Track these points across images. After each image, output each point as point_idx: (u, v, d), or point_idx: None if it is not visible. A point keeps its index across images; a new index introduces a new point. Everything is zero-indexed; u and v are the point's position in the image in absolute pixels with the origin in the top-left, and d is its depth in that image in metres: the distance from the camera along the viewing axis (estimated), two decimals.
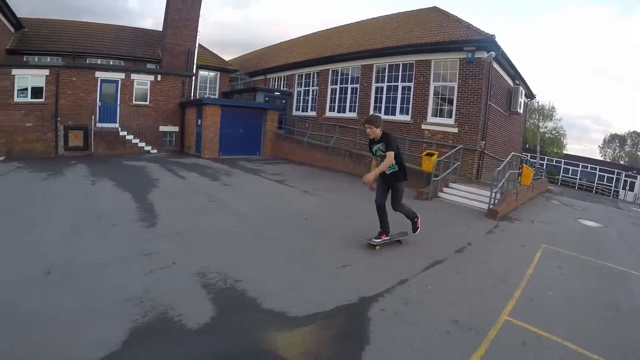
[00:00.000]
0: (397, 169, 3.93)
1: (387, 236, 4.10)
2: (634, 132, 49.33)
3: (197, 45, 14.91)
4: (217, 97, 15.81)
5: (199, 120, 12.06)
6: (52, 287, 2.82)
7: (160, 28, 16.41)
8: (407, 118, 10.61)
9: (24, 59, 12.87)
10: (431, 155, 7.84)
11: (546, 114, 22.01)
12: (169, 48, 14.58)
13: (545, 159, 24.15)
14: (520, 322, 2.76)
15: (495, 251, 4.53)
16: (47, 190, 6.42)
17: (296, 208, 5.70)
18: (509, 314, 2.91)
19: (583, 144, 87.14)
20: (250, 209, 5.52)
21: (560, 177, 24.45)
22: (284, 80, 16.01)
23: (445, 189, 7.54)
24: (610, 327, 2.84)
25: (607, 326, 2.86)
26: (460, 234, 5.01)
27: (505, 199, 6.60)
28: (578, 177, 25.65)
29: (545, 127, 22.22)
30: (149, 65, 14.84)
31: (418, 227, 4.27)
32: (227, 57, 18.41)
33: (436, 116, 10.03)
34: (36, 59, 13.07)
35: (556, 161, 25.25)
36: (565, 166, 25.98)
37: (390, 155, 3.76)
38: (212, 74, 16.19)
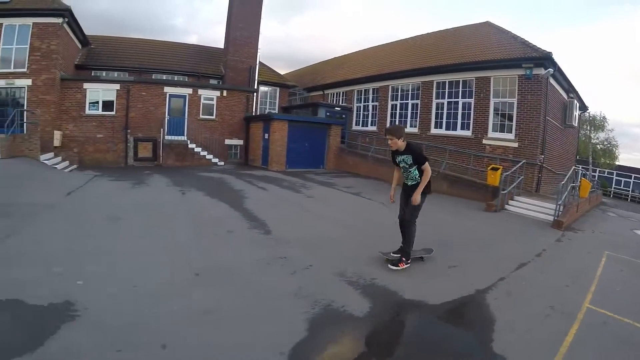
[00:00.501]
0: (419, 180, 4.02)
1: None
2: None
3: (257, 62, 16.54)
4: (276, 111, 17.39)
5: (266, 135, 13.52)
6: (209, 287, 3.25)
7: (204, 43, 18.11)
8: (468, 133, 11.61)
9: (91, 74, 14.55)
10: (496, 169, 8.80)
11: (597, 124, 21.97)
12: (231, 65, 16.29)
13: (597, 171, 23.90)
14: (599, 309, 3.71)
15: (567, 256, 5.49)
16: (142, 198, 7.26)
17: (385, 218, 6.81)
18: (589, 302, 3.89)
19: (633, 153, 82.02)
20: (345, 218, 6.64)
21: (613, 189, 24.11)
22: (342, 96, 17.42)
23: (511, 202, 8.50)
24: None
25: None
26: (533, 241, 6.00)
27: (569, 211, 7.50)
28: (630, 189, 25.13)
29: (597, 138, 22.18)
30: (211, 81, 16.49)
31: (400, 268, 4.09)
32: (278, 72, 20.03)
33: (497, 131, 10.94)
34: (103, 74, 14.77)
35: (608, 173, 24.96)
36: (618, 178, 25.66)
37: (427, 167, 3.95)
38: (271, 89, 17.80)
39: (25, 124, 10.86)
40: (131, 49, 16.77)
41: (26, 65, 11.84)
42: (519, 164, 9.10)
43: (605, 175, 24.92)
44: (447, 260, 4.74)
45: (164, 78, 15.77)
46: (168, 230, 5.11)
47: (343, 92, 17.35)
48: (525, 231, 6.65)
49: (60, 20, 12.07)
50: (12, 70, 11.76)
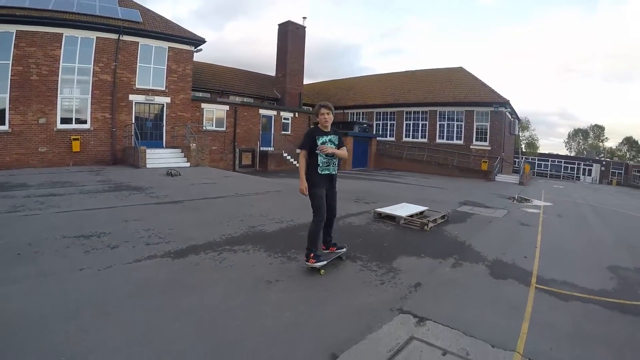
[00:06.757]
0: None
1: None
2: (595, 125, 72.28)
3: (302, 89, 26.77)
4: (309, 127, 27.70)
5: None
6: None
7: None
8: (460, 142, 24.79)
9: None
10: (485, 162, 21.52)
11: (524, 126, 37.59)
12: (288, 91, 26.30)
13: (524, 158, 40.16)
14: (546, 202, 15.74)
15: (530, 191, 17.92)
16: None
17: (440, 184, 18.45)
18: (543, 196, 15.96)
19: (549, 138, 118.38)
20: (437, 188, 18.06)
21: (536, 170, 40.89)
22: (362, 115, 29.13)
23: (497, 177, 21.18)
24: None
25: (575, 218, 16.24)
26: (515, 188, 18.49)
27: (524, 178, 20.47)
28: (549, 169, 43.11)
29: (524, 135, 37.92)
30: (268, 102, 25.98)
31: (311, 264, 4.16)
32: None
33: (478, 141, 24.13)
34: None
35: (531, 159, 41.68)
36: (539, 162, 43.14)
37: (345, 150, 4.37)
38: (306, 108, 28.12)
39: (187, 138, 17.21)
40: (209, 72, 24.88)
41: (164, 85, 17.61)
42: (498, 159, 21.94)
43: (530, 160, 41.46)
44: (486, 199, 16.47)
45: (237, 99, 24.27)
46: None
47: (364, 113, 29.31)
48: (509, 186, 19.08)
49: (193, 47, 18.73)
50: (150, 87, 17.22)
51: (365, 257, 4.93)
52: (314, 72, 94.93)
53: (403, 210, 7.40)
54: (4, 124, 14.09)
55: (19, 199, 7.62)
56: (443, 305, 3.60)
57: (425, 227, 6.62)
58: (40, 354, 2.48)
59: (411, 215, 7.17)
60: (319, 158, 4.16)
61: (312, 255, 4.15)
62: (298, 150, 23.80)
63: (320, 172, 4.17)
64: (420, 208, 7.90)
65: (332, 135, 4.25)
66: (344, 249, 4.69)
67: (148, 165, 14.79)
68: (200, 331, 2.88)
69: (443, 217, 7.57)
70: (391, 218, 7.10)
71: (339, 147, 4.27)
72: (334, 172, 4.30)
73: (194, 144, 16.62)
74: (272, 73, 28.73)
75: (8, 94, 14.09)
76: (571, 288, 4.37)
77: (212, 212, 7.37)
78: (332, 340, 2.82)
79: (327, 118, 4.17)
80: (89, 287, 3.59)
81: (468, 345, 2.88)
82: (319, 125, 4.25)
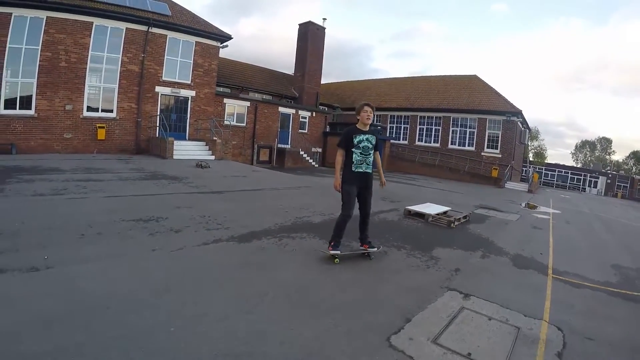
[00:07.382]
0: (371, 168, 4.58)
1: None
2: (603, 137, 73.53)
3: (320, 89, 27.61)
4: (326, 128, 28.51)
5: None
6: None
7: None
8: (472, 148, 25.53)
9: None
10: (496, 169, 22.37)
11: (533, 135, 38.69)
12: (306, 90, 27.15)
13: (531, 167, 41.28)
14: (555, 210, 16.67)
15: (539, 198, 18.87)
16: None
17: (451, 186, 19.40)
18: (551, 204, 16.93)
19: (557, 148, 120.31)
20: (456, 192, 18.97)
21: (542, 179, 41.94)
22: (377, 118, 29.85)
23: (506, 184, 22.09)
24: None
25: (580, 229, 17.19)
26: (525, 196, 19.37)
27: (533, 186, 21.36)
28: (555, 179, 44.32)
29: (532, 145, 39.05)
30: (286, 100, 26.82)
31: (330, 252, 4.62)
32: None
33: (489, 148, 24.93)
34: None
35: (538, 168, 42.84)
36: (546, 171, 44.26)
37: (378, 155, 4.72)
38: (322, 108, 28.93)
39: (212, 131, 17.97)
40: (230, 68, 25.62)
41: (190, 78, 18.45)
42: (508, 167, 22.83)
43: (537, 170, 42.68)
44: (499, 204, 17.41)
45: (256, 96, 25.12)
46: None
47: (378, 115, 30.24)
48: (519, 193, 20.00)
49: (219, 43, 19.52)
50: (176, 80, 18.06)
51: (408, 247, 5.82)
52: (325, 71, 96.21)
53: (429, 209, 8.30)
54: (31, 109, 14.45)
55: (58, 183, 7.99)
56: (481, 286, 4.48)
57: (452, 224, 7.53)
58: (148, 326, 2.72)
59: (437, 214, 8.07)
60: (354, 156, 4.46)
61: (331, 243, 4.63)
62: (314, 149, 25.59)
63: (354, 170, 4.48)
64: (444, 208, 8.79)
65: (370, 135, 4.53)
66: (375, 249, 4.93)
67: (174, 157, 15.38)
68: (291, 302, 3.45)
69: (465, 217, 8.47)
70: (420, 215, 7.99)
71: (375, 147, 4.60)
72: (368, 171, 4.52)
73: (219, 138, 17.40)
74: (283, 70, 29.85)
75: (36, 79, 14.46)
76: (581, 279, 5.27)
77: (255, 203, 8.18)
78: (402, 308, 3.61)
79: (370, 116, 4.49)
80: (168, 266, 4.01)
81: (506, 314, 3.74)
82: (357, 125, 4.57)
